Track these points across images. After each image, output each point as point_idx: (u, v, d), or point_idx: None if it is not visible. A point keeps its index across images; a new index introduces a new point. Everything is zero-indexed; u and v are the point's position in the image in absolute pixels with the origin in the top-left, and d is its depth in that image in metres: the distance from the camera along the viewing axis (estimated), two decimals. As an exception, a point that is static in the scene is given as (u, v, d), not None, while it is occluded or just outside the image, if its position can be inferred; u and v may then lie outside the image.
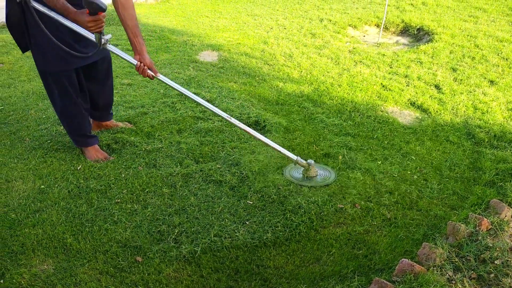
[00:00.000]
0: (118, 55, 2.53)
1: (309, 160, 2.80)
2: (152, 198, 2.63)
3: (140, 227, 2.41)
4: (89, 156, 3.00)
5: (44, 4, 2.41)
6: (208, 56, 4.93)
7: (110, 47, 2.46)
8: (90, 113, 3.09)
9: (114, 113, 3.53)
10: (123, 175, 2.83)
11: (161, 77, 2.62)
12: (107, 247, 2.28)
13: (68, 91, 2.76)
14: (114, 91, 3.92)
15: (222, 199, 2.63)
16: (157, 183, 2.76)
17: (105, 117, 3.25)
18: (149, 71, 2.57)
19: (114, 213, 2.52)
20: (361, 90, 4.05)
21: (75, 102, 2.83)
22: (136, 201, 2.61)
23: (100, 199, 2.63)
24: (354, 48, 5.08)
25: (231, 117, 2.71)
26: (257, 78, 4.34)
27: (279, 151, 2.77)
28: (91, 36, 2.43)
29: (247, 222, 2.46)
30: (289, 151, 2.85)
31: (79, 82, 2.85)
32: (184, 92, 2.67)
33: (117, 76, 4.31)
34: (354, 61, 4.70)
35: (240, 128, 2.72)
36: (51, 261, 2.21)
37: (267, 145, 2.75)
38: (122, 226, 2.42)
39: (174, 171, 2.86)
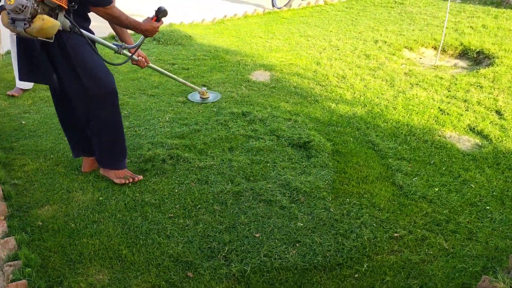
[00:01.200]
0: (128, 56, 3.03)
1: (203, 88, 4.31)
2: (203, 215, 2.67)
3: (191, 243, 2.45)
4: (117, 175, 2.99)
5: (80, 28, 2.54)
6: (260, 76, 4.99)
7: (126, 53, 2.99)
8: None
9: (169, 129, 3.64)
10: (176, 190, 2.89)
11: (151, 65, 3.36)
12: (160, 261, 2.33)
13: (118, 109, 2.87)
14: (170, 108, 4.06)
15: (272, 219, 2.62)
16: (208, 199, 2.80)
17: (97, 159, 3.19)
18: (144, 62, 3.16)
19: (167, 227, 2.57)
20: (417, 113, 3.94)
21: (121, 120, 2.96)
22: (188, 217, 2.66)
23: (154, 213, 2.69)
24: (410, 70, 4.98)
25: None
26: (309, 99, 4.34)
27: (186, 84, 4.18)
28: (113, 46, 2.90)
29: (297, 244, 2.43)
30: (340, 173, 2.81)
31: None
32: (167, 74, 3.88)
33: (173, 94, 4.45)
34: (410, 84, 4.60)
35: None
36: (107, 271, 2.28)
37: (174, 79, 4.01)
38: (174, 240, 2.46)
39: (225, 188, 2.90)
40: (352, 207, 2.73)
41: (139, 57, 3.11)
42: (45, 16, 2.17)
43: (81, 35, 2.49)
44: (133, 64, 3.16)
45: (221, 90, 4.52)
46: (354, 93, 4.45)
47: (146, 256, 2.36)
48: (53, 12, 2.26)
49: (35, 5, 2.14)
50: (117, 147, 2.94)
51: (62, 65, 2.59)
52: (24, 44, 2.58)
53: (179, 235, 2.51)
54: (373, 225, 2.57)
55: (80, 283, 2.19)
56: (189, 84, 4.21)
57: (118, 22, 2.60)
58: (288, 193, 2.85)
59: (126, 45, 2.95)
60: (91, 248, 2.41)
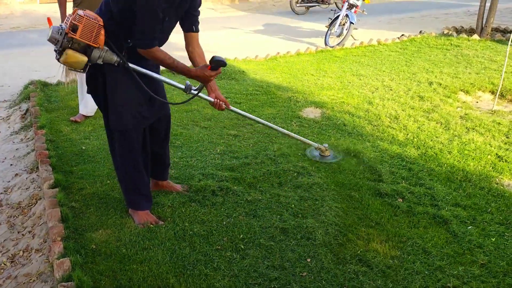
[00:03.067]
0: (200, 97, 2.90)
1: (324, 144, 3.86)
2: (250, 249, 2.67)
3: (237, 277, 2.45)
4: (138, 219, 2.94)
5: (137, 64, 2.67)
6: (311, 113, 5.03)
7: (193, 91, 2.80)
8: (149, 172, 3.12)
9: (220, 161, 3.72)
10: (224, 223, 2.92)
11: (233, 108, 3.10)
12: (205, 293, 2.34)
13: (134, 150, 2.85)
14: (221, 141, 4.15)
15: (320, 258, 2.58)
16: (256, 234, 2.81)
17: (161, 176, 3.27)
18: (223, 105, 2.90)
19: (214, 259, 2.59)
20: (473, 159, 3.81)
21: (138, 162, 2.90)
22: (235, 250, 2.67)
23: (202, 243, 2.73)
24: (466, 114, 4.85)
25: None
26: (359, 137, 4.31)
27: (301, 140, 3.75)
28: (181, 86, 2.82)
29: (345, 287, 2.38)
30: (391, 216, 2.74)
31: (144, 142, 2.95)
32: (255, 119, 3.40)
33: (224, 127, 4.56)
34: (466, 128, 4.48)
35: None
36: (154, 299, 2.31)
37: (287, 135, 3.72)
38: (221, 273, 2.47)
39: (273, 224, 2.90)
40: (403, 252, 2.64)
41: (216, 100, 2.87)
42: (69, 51, 2.49)
43: (129, 70, 2.63)
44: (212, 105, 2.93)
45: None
46: (407, 134, 4.38)
47: (192, 287, 2.38)
48: (88, 47, 2.53)
49: (65, 40, 2.48)
50: (126, 186, 2.99)
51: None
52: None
53: (225, 268, 2.52)
54: (425, 273, 2.47)
55: (128, 309, 2.24)
56: (303, 139, 3.78)
57: (163, 65, 2.64)
58: (338, 234, 2.81)
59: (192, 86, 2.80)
60: (140, 275, 2.46)
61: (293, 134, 3.69)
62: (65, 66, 4.46)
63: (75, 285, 2.32)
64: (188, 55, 2.86)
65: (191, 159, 3.80)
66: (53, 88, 6.00)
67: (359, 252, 2.63)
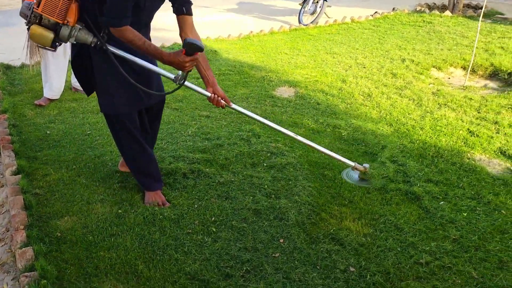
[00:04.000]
0: (193, 89, 2.67)
1: (365, 164, 3.17)
2: (222, 232, 2.61)
3: (209, 261, 2.39)
4: (147, 198, 2.89)
5: (119, 47, 2.47)
6: (285, 92, 4.96)
7: (186, 83, 2.56)
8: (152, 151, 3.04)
9: (192, 143, 3.62)
10: (195, 206, 2.85)
11: (233, 106, 2.78)
12: (176, 278, 2.27)
13: (133, 133, 2.74)
14: (193, 122, 4.05)
15: (293, 239, 2.54)
16: (228, 216, 2.75)
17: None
18: (222, 101, 2.67)
19: (185, 243, 2.52)
20: (445, 134, 3.82)
21: (140, 144, 2.81)
22: (206, 233, 2.60)
23: (173, 228, 2.65)
24: (438, 90, 4.86)
25: (297, 135, 3.06)
26: (333, 116, 4.27)
27: (338, 159, 3.13)
28: (169, 75, 2.54)
29: (318, 267, 2.35)
30: (364, 193, 2.72)
31: (143, 123, 2.87)
32: (254, 117, 2.92)
33: (196, 108, 4.45)
34: (438, 104, 4.48)
35: (299, 140, 3.10)
36: (122, 286, 2.23)
37: (324, 153, 3.13)
38: (191, 257, 2.41)
39: (246, 205, 2.84)
40: (376, 230, 2.63)
41: (214, 95, 2.64)
42: (33, 26, 2.40)
43: (108, 53, 2.44)
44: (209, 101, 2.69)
45: (245, 105, 4.49)
46: (380, 111, 4.36)
47: (162, 273, 2.31)
48: (57, 24, 2.39)
49: (32, 15, 2.38)
50: (134, 169, 2.95)
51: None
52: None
53: (196, 252, 2.45)
54: (398, 249, 2.46)
55: (95, 298, 2.16)
56: (338, 157, 3.13)
57: (134, 47, 2.39)
58: (311, 213, 2.77)
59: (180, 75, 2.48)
60: (107, 262, 2.38)
61: (327, 151, 3.10)
62: (29, 48, 4.26)
63: (38, 275, 2.22)
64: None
65: (162, 142, 3.69)
66: (16, 71, 5.75)
67: (332, 231, 2.61)
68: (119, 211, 2.81)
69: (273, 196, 2.94)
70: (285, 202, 2.85)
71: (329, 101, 4.65)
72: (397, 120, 4.14)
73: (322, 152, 3.12)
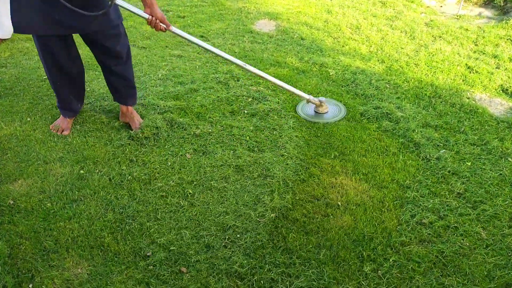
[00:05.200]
0: (129, 10, 2.37)
1: (320, 98, 2.95)
2: (200, 193, 2.30)
3: (186, 229, 2.09)
4: (56, 121, 2.84)
5: None
6: (265, 26, 4.48)
7: (119, 2, 2.30)
8: (112, 93, 2.83)
9: (162, 88, 3.21)
10: (169, 163, 2.51)
11: (174, 29, 2.49)
12: (148, 251, 1.98)
13: (45, 55, 2.51)
14: (163, 63, 3.60)
15: (280, 199, 2.26)
16: (206, 175, 2.43)
17: (118, 98, 2.82)
18: (161, 24, 2.40)
19: (157, 208, 2.21)
20: (442, 71, 3.49)
21: (58, 67, 2.57)
22: (182, 196, 2.29)
23: (144, 190, 2.33)
24: (431, 21, 4.46)
25: (246, 64, 2.75)
26: (319, 53, 3.87)
27: (292, 92, 2.90)
28: None
29: (308, 232, 2.08)
30: (357, 142, 2.41)
31: (71, 50, 2.58)
32: (199, 44, 2.62)
33: (166, 46, 3.97)
34: (433, 36, 4.11)
35: (254, 73, 2.80)
36: (86, 263, 1.94)
37: (280, 86, 2.87)
38: (166, 225, 2.11)
39: (226, 161, 2.51)
40: (372, 186, 2.36)
41: (151, 17, 2.36)
42: None
43: None
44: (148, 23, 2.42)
45: (220, 42, 4.03)
46: (370, 46, 3.97)
47: (132, 245, 2.01)
48: None
49: None
50: (53, 88, 2.75)
51: None
52: None
53: (171, 219, 2.15)
54: (398, 208, 2.21)
55: (54, 279, 1.86)
56: (292, 89, 2.90)
57: None
58: (299, 168, 2.47)
59: None
60: (68, 234, 2.06)
61: (278, 82, 2.84)
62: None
63: (-14, 256, 1.90)
64: None
65: (128, 87, 3.26)
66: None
67: (322, 189, 2.32)
68: (81, 171, 2.46)
69: (256, 149, 2.62)
70: (270, 156, 2.53)
71: (314, 35, 4.22)
72: (389, 56, 3.77)
73: (275, 84, 2.86)
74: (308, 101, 2.93)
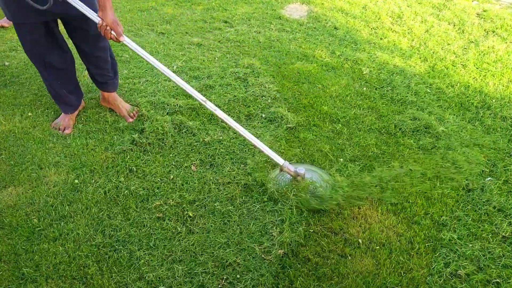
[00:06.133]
0: (79, 9, 2.04)
1: (299, 168, 2.09)
2: (201, 217, 2.03)
3: (180, 262, 1.84)
4: (56, 120, 2.62)
5: None
6: (295, 11, 4.09)
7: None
8: (92, 79, 2.64)
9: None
10: (171, 177, 2.24)
11: (126, 40, 2.10)
12: (135, 289, 1.74)
13: (28, 45, 2.27)
14: (180, 53, 3.31)
15: (285, 230, 1.96)
16: (210, 194, 2.15)
17: (100, 84, 2.64)
18: (112, 32, 2.06)
19: (152, 233, 1.96)
20: (493, 75, 3.04)
21: (44, 60, 2.35)
22: (181, 219, 2.02)
23: (140, 209, 2.08)
24: (484, 11, 3.94)
25: (207, 101, 2.13)
26: (353, 45, 3.47)
27: (266, 154, 2.10)
28: None
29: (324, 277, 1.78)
30: (385, 160, 2.07)
31: (55, 37, 2.34)
32: (155, 65, 2.17)
33: (186, 33, 3.66)
34: (485, 31, 3.61)
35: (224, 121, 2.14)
36: (65, 298, 1.72)
37: (253, 145, 2.13)
38: (158, 256, 1.86)
39: (234, 178, 2.22)
40: (400, 219, 2.02)
41: (102, 22, 2.03)
42: None
43: None
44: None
45: (245, 29, 3.68)
46: (413, 40, 3.53)
47: (117, 280, 1.77)
48: None
49: None
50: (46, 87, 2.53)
51: None
52: None
53: (165, 248, 1.89)
54: (429, 252, 1.87)
55: (27, 317, 1.65)
56: (269, 153, 2.09)
57: None
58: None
59: None
60: (50, 260, 1.85)
61: (255, 142, 2.08)
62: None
63: (-43, 282, 1.71)
64: None
65: (139, 81, 3.00)
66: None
67: (341, 220, 2.00)
68: (76, 181, 2.23)
69: (268, 169, 2.31)
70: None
71: (350, 24, 3.80)
72: (433, 53, 3.33)
73: (254, 145, 2.10)
74: (282, 169, 2.10)
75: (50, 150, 2.43)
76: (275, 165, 2.24)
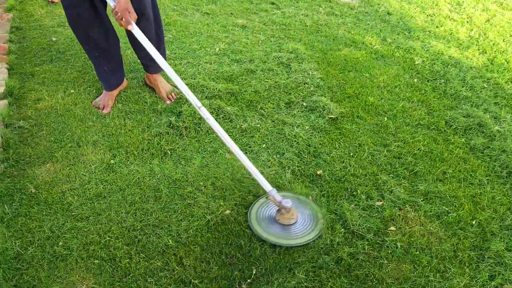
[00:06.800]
0: None
1: (285, 201, 1.83)
2: (231, 209, 1.97)
3: (208, 252, 1.79)
4: (96, 99, 2.63)
5: None
6: (347, -6, 3.90)
7: None
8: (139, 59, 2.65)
9: (217, 67, 2.87)
10: (205, 162, 2.20)
11: (135, 30, 1.99)
12: (160, 276, 1.72)
13: (81, 19, 2.27)
14: (224, 34, 3.24)
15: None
16: (245, 183, 2.08)
17: (145, 66, 2.64)
18: (122, 21, 1.99)
19: (181, 219, 1.92)
20: (561, 72, 2.77)
21: (90, 39, 2.37)
22: (213, 209, 1.98)
23: (172, 193, 2.05)
24: (556, 0, 3.61)
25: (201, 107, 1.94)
26: (406, 33, 3.26)
27: (254, 177, 1.84)
28: None
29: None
30: (436, 160, 1.93)
31: (98, 13, 2.32)
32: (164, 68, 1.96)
33: (231, 14, 3.58)
34: (555, 22, 3.31)
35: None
36: (92, 280, 1.72)
37: (243, 166, 1.86)
38: (185, 247, 1.82)
39: (271, 170, 2.14)
40: (444, 224, 1.88)
41: (116, 8, 1.98)
42: None
43: None
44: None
45: (292, 11, 3.55)
46: (471, 30, 3.28)
47: (144, 265, 1.75)
48: None
49: None
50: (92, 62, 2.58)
51: None
52: None
53: (192, 237, 1.85)
54: (473, 262, 1.73)
55: (55, 295, 1.67)
56: (260, 179, 1.85)
57: None
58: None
59: None
60: (81, 240, 1.85)
61: (246, 164, 1.84)
62: None
63: (-8, 255, 1.75)
64: None
65: (180, 62, 2.96)
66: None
67: (380, 220, 1.89)
68: (112, 161, 2.23)
69: (306, 156, 2.21)
70: (328, 185, 2.11)
71: (404, 10, 3.58)
72: (493, 45, 3.08)
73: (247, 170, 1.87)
74: (268, 198, 1.86)
75: (89, 129, 2.44)
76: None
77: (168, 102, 2.60)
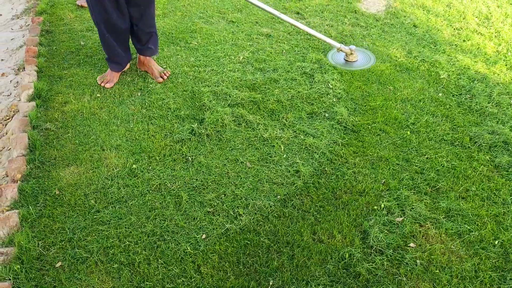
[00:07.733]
0: None
1: (351, 46, 2.99)
2: (252, 221, 1.98)
3: (226, 262, 1.80)
4: (103, 74, 2.94)
5: None
6: (373, 5, 3.88)
7: None
8: (135, 44, 2.94)
9: (240, 75, 2.89)
10: (226, 170, 2.21)
11: None
12: (178, 283, 1.73)
13: (105, 12, 2.57)
14: (248, 43, 3.26)
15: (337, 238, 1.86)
16: (265, 193, 2.09)
17: (143, 50, 2.92)
18: None
19: (200, 227, 1.94)
20: None
21: (109, 23, 2.64)
22: (232, 217, 1.99)
23: (192, 200, 2.07)
24: None
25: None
26: (432, 46, 3.23)
27: (322, 39, 2.94)
28: None
29: None
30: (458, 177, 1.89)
31: (122, 7, 2.62)
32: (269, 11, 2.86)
33: (257, 22, 3.60)
34: None
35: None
36: (111, 283, 1.74)
37: (308, 33, 2.99)
38: (203, 254, 1.83)
39: (290, 181, 2.14)
40: (466, 243, 1.84)
41: None
42: None
43: None
44: None
45: (317, 21, 3.55)
46: (499, 44, 3.22)
47: (163, 272, 1.77)
48: None
49: None
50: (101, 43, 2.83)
51: None
52: None
53: (210, 245, 1.86)
54: (494, 284, 1.69)
55: (75, 297, 1.70)
56: (324, 37, 2.96)
57: None
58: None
59: None
60: (102, 243, 1.88)
61: (307, 29, 2.93)
62: None
63: (15, 254, 1.80)
64: None
65: (205, 69, 2.99)
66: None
67: (400, 237, 1.87)
68: (134, 166, 2.26)
69: (327, 171, 2.20)
70: (347, 198, 2.10)
71: (431, 23, 3.54)
72: (522, 60, 3.02)
73: (305, 31, 2.95)
74: (339, 49, 2.97)
75: (113, 133, 2.48)
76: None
77: (160, 80, 2.89)
